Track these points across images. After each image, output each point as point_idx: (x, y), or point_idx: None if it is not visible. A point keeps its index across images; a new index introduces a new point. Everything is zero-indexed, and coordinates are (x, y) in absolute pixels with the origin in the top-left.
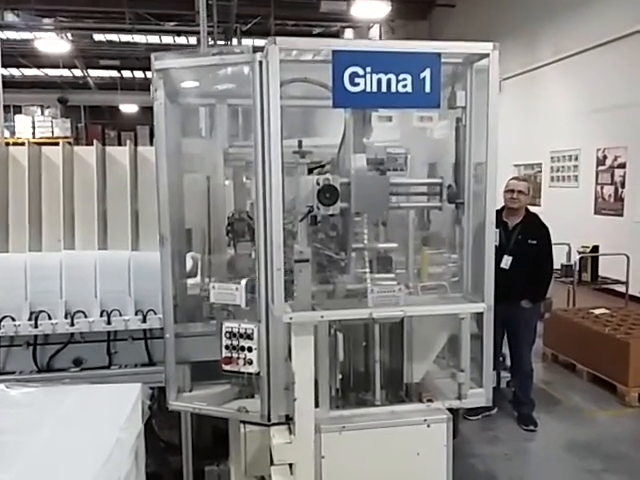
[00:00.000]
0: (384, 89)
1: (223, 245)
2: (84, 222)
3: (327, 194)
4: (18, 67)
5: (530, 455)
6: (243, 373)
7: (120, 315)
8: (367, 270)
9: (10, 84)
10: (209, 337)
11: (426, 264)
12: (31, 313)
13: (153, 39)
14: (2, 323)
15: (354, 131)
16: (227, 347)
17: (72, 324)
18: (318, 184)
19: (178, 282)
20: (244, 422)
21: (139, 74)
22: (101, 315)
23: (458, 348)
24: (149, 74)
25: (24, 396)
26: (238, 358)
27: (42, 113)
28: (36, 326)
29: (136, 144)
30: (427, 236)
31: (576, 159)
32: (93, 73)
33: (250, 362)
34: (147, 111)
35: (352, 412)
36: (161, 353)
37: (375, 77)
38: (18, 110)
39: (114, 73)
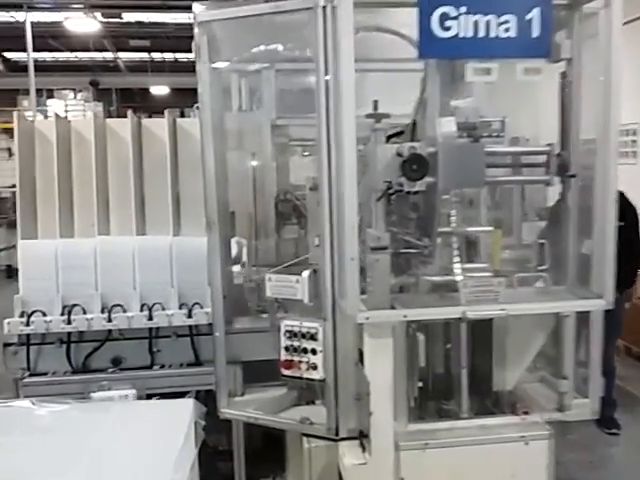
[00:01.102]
0: (481, 34)
1: (271, 229)
2: (120, 204)
3: (414, 166)
4: (50, 51)
5: (617, 463)
6: (306, 379)
7: (162, 309)
8: (457, 259)
9: (43, 68)
10: (261, 334)
11: (498, 248)
12: (64, 307)
13: (182, 18)
14: (32, 319)
15: (440, 89)
16: (287, 349)
17: (109, 320)
18: (400, 155)
19: (223, 272)
20: (307, 435)
21: (169, 55)
22: (141, 309)
23: (558, 350)
24: (179, 55)
25: (55, 417)
26: (300, 362)
27: (75, 97)
28: (69, 322)
29: None
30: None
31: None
32: (123, 55)
33: (314, 367)
34: (178, 93)
35: (434, 426)
36: (209, 352)
37: (471, 19)
38: (51, 94)
39: (144, 55)
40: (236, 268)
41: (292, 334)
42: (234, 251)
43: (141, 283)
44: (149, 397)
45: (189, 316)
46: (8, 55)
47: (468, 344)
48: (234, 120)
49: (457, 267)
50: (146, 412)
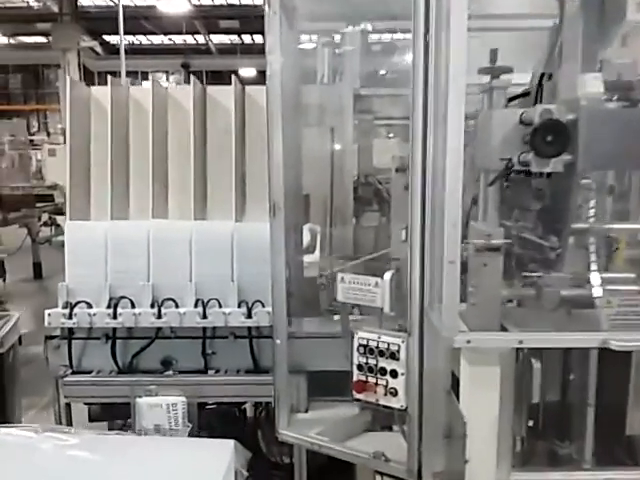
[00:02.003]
0: None
1: (349, 216)
2: (179, 183)
3: (549, 136)
4: (145, 33)
5: None
6: (383, 407)
7: (219, 306)
8: (594, 266)
9: (139, 50)
10: (331, 340)
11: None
12: (110, 299)
13: None
14: (75, 311)
15: (584, 34)
16: (360, 367)
17: (159, 316)
18: (526, 122)
19: (293, 263)
20: (382, 474)
21: (259, 38)
22: (195, 305)
23: None
24: None
25: (60, 453)
26: (376, 384)
27: (167, 79)
28: (115, 316)
29: None
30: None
31: None
32: (214, 38)
33: (394, 392)
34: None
35: (545, 476)
36: (270, 357)
37: None
38: (145, 76)
39: (234, 38)
40: (308, 258)
41: (367, 349)
42: (306, 239)
43: (197, 275)
44: (200, 407)
45: (249, 316)
46: (107, 38)
47: (599, 376)
48: (312, 93)
49: (595, 277)
50: (171, 452)
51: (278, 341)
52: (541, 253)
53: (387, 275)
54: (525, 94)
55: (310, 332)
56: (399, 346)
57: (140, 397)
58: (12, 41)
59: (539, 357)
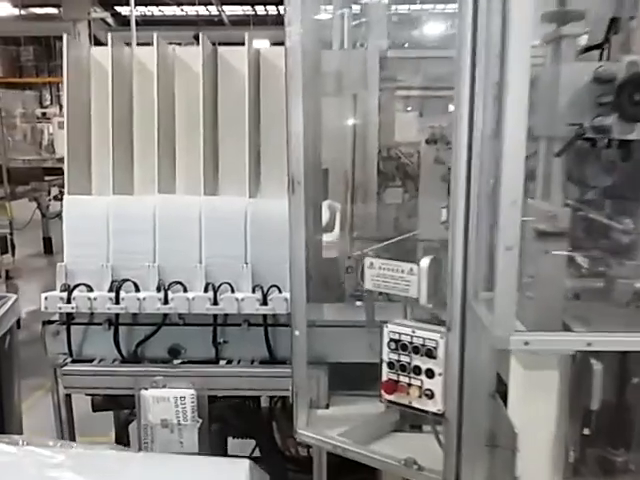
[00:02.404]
0: None
1: (372, 192)
2: (187, 155)
3: (638, 94)
4: (157, 5)
5: None
6: (417, 410)
7: (232, 291)
8: None
9: (151, 22)
10: (354, 329)
11: None
12: (112, 282)
13: None
14: (73, 294)
15: None
16: (391, 365)
17: (165, 301)
18: (604, 79)
19: (311, 243)
20: None
21: (272, 9)
22: (205, 290)
23: None
24: (282, 9)
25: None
26: (409, 385)
27: None
28: (117, 301)
29: None
30: None
31: None
32: (227, 9)
33: (429, 394)
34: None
35: None
36: (287, 346)
37: None
38: None
39: (248, 9)
40: (327, 237)
41: (399, 345)
42: (325, 217)
43: (207, 256)
44: (211, 400)
45: (264, 302)
46: (118, 9)
47: None
48: (333, 59)
49: None
50: (176, 475)
51: (297, 332)
52: (611, 238)
53: (425, 261)
54: (599, 45)
55: (331, 320)
56: (437, 342)
57: (145, 389)
58: (23, 12)
59: (600, 358)
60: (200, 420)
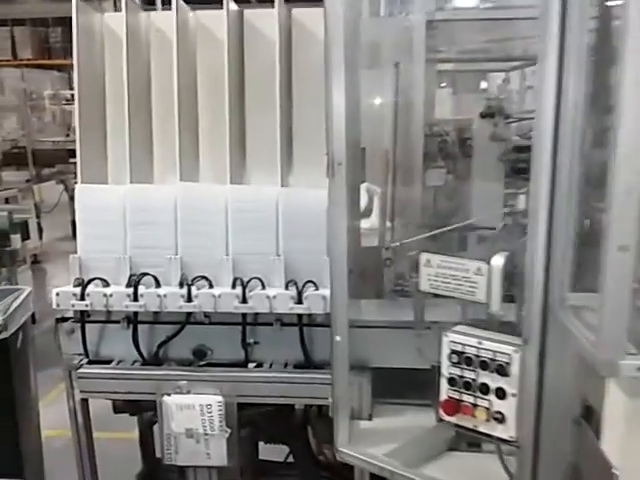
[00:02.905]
0: None
1: (417, 173)
2: (212, 137)
3: None
4: None
5: None
6: (484, 435)
7: (262, 287)
8: None
9: None
10: (400, 330)
11: None
12: (130, 276)
13: None
14: (87, 290)
15: None
16: (453, 381)
17: (189, 298)
18: None
19: (349, 231)
20: None
21: None
22: (233, 286)
23: None
24: None
25: None
26: (475, 406)
27: None
28: (136, 298)
29: None
30: None
31: None
32: None
33: (500, 419)
34: None
35: None
36: (325, 348)
37: None
38: None
39: None
40: (365, 224)
41: (463, 358)
42: (363, 201)
43: (235, 248)
44: (240, 407)
45: (299, 301)
46: None
47: None
48: (373, 27)
49: None
50: None
51: (338, 337)
52: None
53: (497, 260)
54: None
55: (374, 320)
56: (510, 357)
57: (168, 395)
58: None
59: None
60: (229, 431)
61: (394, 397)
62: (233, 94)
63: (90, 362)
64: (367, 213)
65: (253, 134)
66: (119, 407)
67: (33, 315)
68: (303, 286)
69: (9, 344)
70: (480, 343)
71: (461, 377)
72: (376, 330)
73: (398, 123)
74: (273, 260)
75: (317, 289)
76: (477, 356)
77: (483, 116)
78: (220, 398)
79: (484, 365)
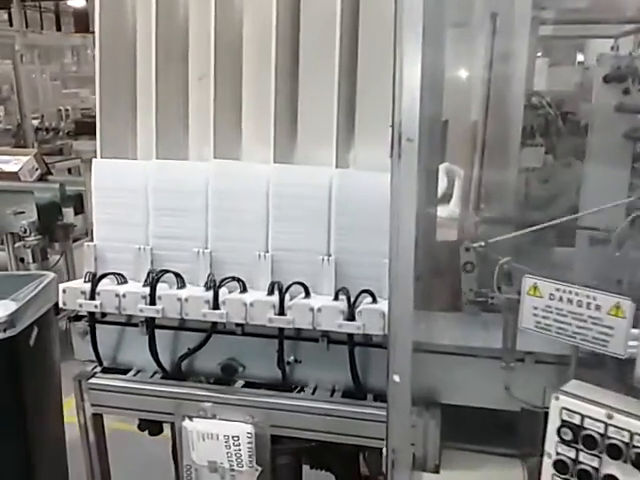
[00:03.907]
0: None
1: (513, 154)
2: (256, 106)
3: None
4: None
5: None
6: None
7: (306, 294)
8: None
9: None
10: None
11: None
12: (149, 273)
13: None
14: (98, 288)
15: None
16: (561, 465)
17: (215, 305)
18: None
19: (421, 222)
20: None
21: None
22: (270, 291)
23: None
24: None
25: None
26: None
27: None
28: (153, 301)
29: None
30: None
31: None
32: None
33: None
34: None
35: None
36: (382, 372)
37: None
38: None
39: None
40: (442, 212)
41: (582, 437)
42: (442, 185)
43: (275, 245)
44: (274, 440)
45: (351, 317)
46: None
47: None
48: None
49: None
50: None
51: (396, 377)
52: None
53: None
54: None
55: (447, 345)
56: None
57: (190, 418)
58: None
59: None
60: (259, 469)
61: (469, 443)
62: (283, 52)
63: (104, 370)
64: (446, 199)
65: (307, 102)
66: (142, 424)
67: (56, 305)
68: (357, 297)
69: (18, 342)
70: (610, 417)
71: (575, 462)
72: (450, 357)
73: (492, 92)
74: (322, 261)
75: (375, 301)
76: (603, 436)
77: (608, 80)
78: (250, 428)
79: (614, 451)
